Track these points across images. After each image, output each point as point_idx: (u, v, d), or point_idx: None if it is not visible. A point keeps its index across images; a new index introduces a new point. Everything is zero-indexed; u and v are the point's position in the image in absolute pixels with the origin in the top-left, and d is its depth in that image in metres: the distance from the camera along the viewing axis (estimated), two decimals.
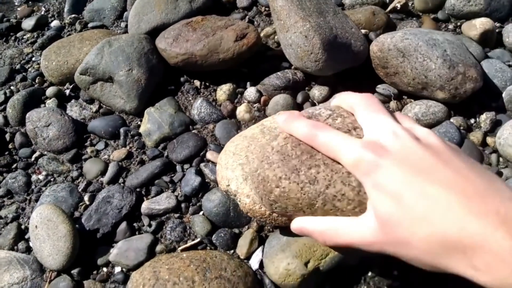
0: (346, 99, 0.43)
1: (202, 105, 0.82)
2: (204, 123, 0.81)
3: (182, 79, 0.88)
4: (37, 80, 0.93)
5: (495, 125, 0.77)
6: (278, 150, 0.43)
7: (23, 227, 0.72)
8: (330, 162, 0.40)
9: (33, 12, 1.11)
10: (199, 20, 0.87)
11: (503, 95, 0.79)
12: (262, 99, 0.82)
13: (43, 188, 0.76)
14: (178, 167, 0.75)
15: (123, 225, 0.68)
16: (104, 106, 0.87)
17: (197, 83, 0.87)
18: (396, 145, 0.35)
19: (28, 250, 0.69)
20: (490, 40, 0.88)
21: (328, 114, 0.43)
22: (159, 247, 0.66)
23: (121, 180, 0.75)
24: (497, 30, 0.90)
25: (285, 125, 0.43)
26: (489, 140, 0.76)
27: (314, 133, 0.40)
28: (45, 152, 0.81)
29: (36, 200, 0.75)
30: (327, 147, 0.39)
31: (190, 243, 0.67)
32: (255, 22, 0.98)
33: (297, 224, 0.44)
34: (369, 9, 0.92)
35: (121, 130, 0.81)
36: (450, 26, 0.94)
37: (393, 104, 0.80)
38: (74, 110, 0.87)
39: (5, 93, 0.91)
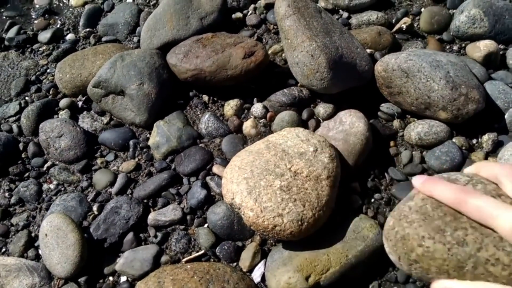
0: (487, 169, 0.42)
1: (210, 120, 0.84)
2: (211, 137, 0.83)
3: (191, 93, 0.90)
4: (51, 92, 0.96)
5: (497, 146, 0.78)
6: (417, 210, 0.41)
7: (33, 235, 0.74)
8: (478, 226, 0.38)
9: (49, 25, 1.14)
10: (209, 37, 0.89)
11: (506, 116, 0.80)
12: (268, 115, 0.84)
13: (54, 197, 0.79)
14: (184, 180, 0.77)
15: (130, 235, 0.70)
16: (115, 118, 0.89)
17: (205, 98, 0.89)
18: None
19: (37, 257, 0.71)
20: (493, 62, 0.90)
21: (467, 180, 0.42)
22: (164, 258, 0.68)
23: (129, 191, 0.77)
24: (501, 52, 0.91)
25: (424, 187, 0.43)
26: (490, 160, 0.77)
27: (463, 198, 0.38)
28: (57, 162, 0.84)
29: (47, 209, 0.77)
30: (479, 213, 0.37)
31: (194, 254, 0.68)
32: (264, 40, 1.00)
33: (441, 286, 0.41)
34: (375, 29, 0.94)
35: (131, 142, 0.83)
36: (455, 47, 0.95)
37: (396, 122, 0.81)
38: (85, 121, 0.90)
39: (20, 104, 0.94)
